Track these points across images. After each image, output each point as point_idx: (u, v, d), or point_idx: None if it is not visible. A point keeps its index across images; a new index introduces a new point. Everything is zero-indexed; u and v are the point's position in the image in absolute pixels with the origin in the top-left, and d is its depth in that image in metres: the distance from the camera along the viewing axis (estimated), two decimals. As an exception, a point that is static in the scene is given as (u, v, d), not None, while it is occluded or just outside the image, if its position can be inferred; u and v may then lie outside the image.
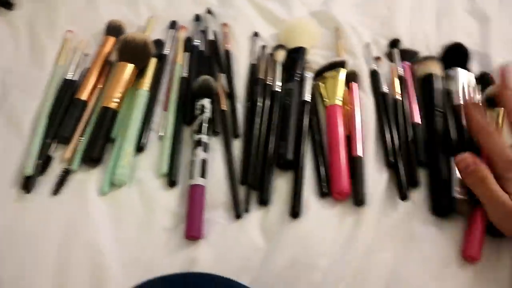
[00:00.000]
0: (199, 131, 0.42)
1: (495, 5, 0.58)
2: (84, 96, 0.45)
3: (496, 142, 0.38)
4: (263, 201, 0.40)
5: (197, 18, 0.54)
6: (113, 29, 0.51)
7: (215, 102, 0.45)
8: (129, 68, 0.46)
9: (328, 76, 0.48)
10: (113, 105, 0.44)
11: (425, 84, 0.48)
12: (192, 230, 0.37)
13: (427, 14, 0.57)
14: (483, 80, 0.49)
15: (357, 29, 0.54)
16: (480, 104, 0.46)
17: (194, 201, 0.39)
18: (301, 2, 0.57)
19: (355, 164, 0.41)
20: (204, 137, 0.42)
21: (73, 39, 0.51)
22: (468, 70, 0.49)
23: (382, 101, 0.47)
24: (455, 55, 0.50)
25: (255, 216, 0.39)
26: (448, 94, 0.46)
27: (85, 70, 0.48)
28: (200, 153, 0.41)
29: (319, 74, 0.48)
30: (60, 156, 0.42)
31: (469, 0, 0.59)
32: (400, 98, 0.47)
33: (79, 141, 0.43)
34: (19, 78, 0.47)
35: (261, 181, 0.40)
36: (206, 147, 0.42)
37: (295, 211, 0.39)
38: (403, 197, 0.40)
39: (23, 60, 0.49)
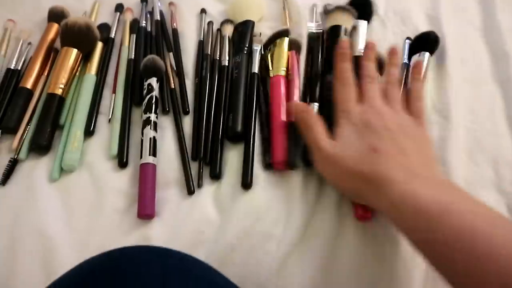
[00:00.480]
0: (148, 110, 0.42)
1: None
2: (28, 84, 0.44)
3: (341, 91, 0.40)
4: (215, 176, 0.40)
5: (142, -1, 0.53)
6: (56, 16, 0.49)
7: (164, 81, 0.45)
8: (73, 53, 0.45)
9: (273, 47, 0.47)
10: (59, 91, 0.43)
11: (332, 35, 0.47)
12: (145, 209, 0.37)
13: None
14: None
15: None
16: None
17: (146, 180, 0.38)
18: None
19: (290, 130, 0.41)
20: (152, 116, 0.41)
21: (14, 28, 0.49)
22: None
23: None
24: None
25: (207, 190, 0.39)
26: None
27: (29, 59, 0.47)
28: (150, 132, 0.40)
29: (266, 46, 0.48)
30: (7, 146, 0.41)
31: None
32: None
33: (26, 130, 0.42)
34: (-41, 72, 0.46)
35: (212, 156, 0.40)
36: (155, 126, 0.41)
37: (245, 183, 0.39)
38: None
39: (-37, 53, 0.48)
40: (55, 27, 0.49)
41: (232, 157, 0.41)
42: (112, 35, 0.49)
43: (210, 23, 0.51)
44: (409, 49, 0.49)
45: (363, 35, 0.48)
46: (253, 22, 0.50)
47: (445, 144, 0.41)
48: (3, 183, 0.39)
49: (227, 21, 0.51)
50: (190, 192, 0.39)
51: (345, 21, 0.48)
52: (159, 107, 0.43)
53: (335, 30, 0.47)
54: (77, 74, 0.46)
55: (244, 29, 0.49)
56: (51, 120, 0.42)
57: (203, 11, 0.52)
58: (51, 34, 0.48)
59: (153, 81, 0.43)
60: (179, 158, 0.41)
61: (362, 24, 0.49)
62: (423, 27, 0.53)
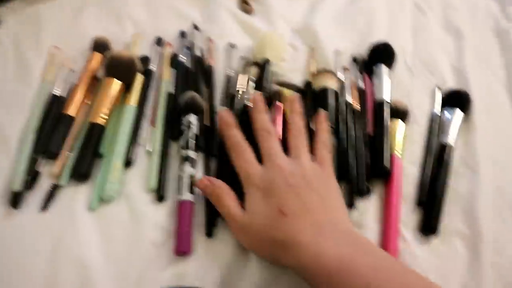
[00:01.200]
0: (186, 147, 0.43)
1: (468, 22, 0.61)
2: (71, 111, 0.46)
3: (236, 158, 0.40)
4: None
5: (182, 34, 0.55)
6: (99, 45, 0.51)
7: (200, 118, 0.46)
8: (116, 84, 0.46)
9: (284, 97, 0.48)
10: (100, 120, 0.44)
11: (319, 98, 0.48)
12: (181, 246, 0.38)
13: (403, 29, 0.60)
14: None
15: (337, 44, 0.56)
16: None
17: (183, 217, 0.40)
18: (283, 18, 0.59)
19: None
20: (191, 153, 0.43)
21: (59, 55, 0.51)
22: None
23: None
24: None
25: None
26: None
27: (71, 86, 0.49)
28: (188, 169, 0.42)
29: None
30: (48, 171, 0.43)
31: (443, 17, 0.61)
32: (359, 108, 0.49)
33: (67, 156, 0.43)
34: (4, 95, 0.48)
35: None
36: (193, 163, 0.43)
37: None
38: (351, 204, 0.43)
39: (9, 76, 0.49)
40: (98, 56, 0.50)
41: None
42: (151, 68, 0.51)
43: (242, 58, 0.53)
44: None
45: (387, 81, 0.50)
46: (268, 61, 0.51)
47: (473, 199, 0.43)
48: (44, 208, 0.40)
49: (250, 60, 0.52)
50: (208, 234, 0.40)
51: (331, 83, 0.49)
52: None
53: (323, 92, 0.48)
54: (117, 105, 0.47)
55: (261, 69, 0.51)
56: (92, 149, 0.43)
57: (231, 45, 0.54)
58: (94, 63, 0.50)
59: (193, 118, 0.45)
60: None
61: (384, 69, 0.51)
62: (449, 78, 0.55)
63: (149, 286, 0.37)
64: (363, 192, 0.43)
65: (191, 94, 0.46)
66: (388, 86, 0.51)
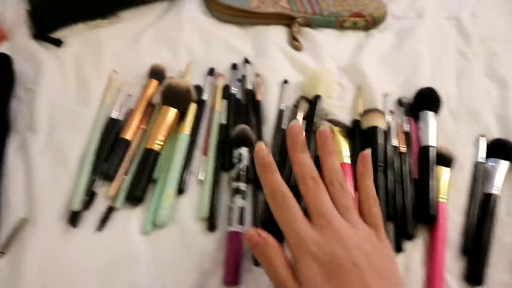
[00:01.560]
0: (237, 179, 0.44)
1: (512, 70, 0.62)
2: (128, 135, 0.48)
3: (279, 211, 0.33)
4: None
5: (234, 66, 0.57)
6: (156, 73, 0.53)
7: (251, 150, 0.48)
8: (173, 112, 0.48)
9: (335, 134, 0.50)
10: (156, 147, 0.46)
11: (368, 137, 0.49)
12: (230, 277, 0.39)
13: (447, 74, 0.61)
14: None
15: (382, 84, 0.57)
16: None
17: (232, 248, 0.41)
18: (331, 56, 0.60)
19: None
20: (242, 185, 0.44)
21: (117, 79, 0.54)
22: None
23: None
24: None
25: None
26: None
27: (128, 110, 0.51)
28: (239, 201, 0.43)
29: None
30: (103, 192, 0.44)
31: (487, 64, 0.62)
32: (404, 151, 0.50)
33: (123, 179, 0.45)
34: (66, 114, 0.50)
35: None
36: (244, 195, 0.44)
37: None
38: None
39: (70, 96, 0.52)
40: (154, 83, 0.53)
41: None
42: (204, 98, 0.53)
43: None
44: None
45: (433, 126, 0.51)
46: (319, 97, 0.52)
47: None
48: (100, 228, 0.42)
49: (302, 97, 0.54)
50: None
51: (380, 122, 0.50)
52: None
53: (372, 131, 0.49)
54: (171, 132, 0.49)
55: (313, 105, 0.52)
56: (147, 174, 0.45)
57: (285, 81, 0.56)
58: (150, 90, 0.52)
59: (244, 151, 0.46)
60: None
61: (430, 114, 0.52)
62: (493, 126, 0.56)
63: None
64: (411, 236, 0.43)
65: (242, 127, 0.48)
66: (434, 131, 0.51)
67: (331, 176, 0.35)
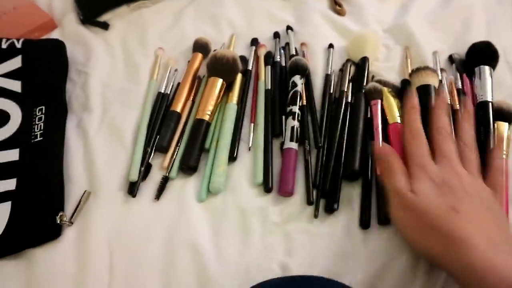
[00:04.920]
0: (291, 103, 0.47)
1: None
2: (178, 108, 0.48)
3: (413, 144, 0.39)
4: (331, 209, 0.42)
5: (276, 35, 0.56)
6: (200, 46, 0.54)
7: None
8: (219, 82, 0.49)
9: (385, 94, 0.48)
10: (206, 117, 0.47)
11: (420, 95, 0.47)
12: (286, 187, 0.42)
13: (503, 26, 0.57)
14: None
15: (431, 44, 0.55)
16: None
17: (288, 162, 0.43)
18: (375, 19, 0.58)
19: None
20: (295, 108, 0.46)
21: (163, 55, 0.55)
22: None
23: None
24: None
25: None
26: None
27: (175, 84, 0.52)
28: (292, 122, 0.45)
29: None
30: (158, 164, 0.46)
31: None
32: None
33: (176, 150, 0.46)
34: (117, 92, 0.52)
35: (331, 190, 0.42)
36: (297, 116, 0.46)
37: (364, 222, 0.41)
38: None
39: (120, 76, 0.53)
40: (199, 56, 0.53)
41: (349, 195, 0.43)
42: (250, 67, 0.53)
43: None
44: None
45: (489, 81, 0.48)
46: (367, 59, 0.51)
47: None
48: (157, 198, 0.43)
49: (348, 60, 0.53)
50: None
51: (433, 80, 0.48)
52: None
53: (425, 89, 0.47)
54: (219, 102, 0.49)
55: (361, 68, 0.51)
56: (199, 144, 0.45)
57: (330, 45, 0.55)
58: (196, 63, 0.53)
59: (297, 78, 0.49)
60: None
61: (487, 70, 0.49)
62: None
63: (258, 275, 0.38)
64: None
65: (296, 57, 0.50)
66: (490, 86, 0.49)
67: (465, 137, 0.40)
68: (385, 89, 0.48)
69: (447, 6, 0.59)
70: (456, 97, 0.49)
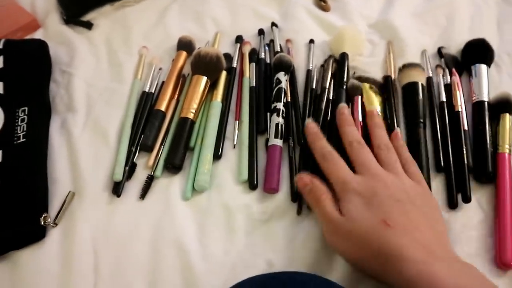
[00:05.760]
0: (275, 100, 0.47)
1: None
2: (162, 107, 0.48)
3: (328, 165, 0.38)
4: None
5: (260, 32, 0.56)
6: (184, 45, 0.54)
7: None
8: (204, 80, 0.49)
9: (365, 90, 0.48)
10: (191, 115, 0.47)
11: (407, 93, 0.48)
12: (271, 184, 0.42)
13: (487, 22, 0.58)
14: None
15: (416, 38, 0.55)
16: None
17: (272, 159, 0.43)
18: (360, 14, 0.58)
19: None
20: (279, 105, 0.46)
21: (147, 54, 0.54)
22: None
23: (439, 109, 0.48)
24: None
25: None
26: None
27: (160, 83, 0.51)
28: (276, 119, 0.45)
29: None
30: (143, 163, 0.45)
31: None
32: (460, 109, 0.47)
33: (161, 149, 0.46)
34: (101, 92, 0.51)
35: None
36: (282, 113, 0.46)
37: None
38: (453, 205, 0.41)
39: (104, 75, 0.53)
40: (183, 55, 0.53)
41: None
42: (234, 65, 0.53)
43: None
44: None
45: (485, 79, 0.48)
46: (347, 55, 0.51)
47: None
48: (142, 197, 0.43)
49: (330, 56, 0.53)
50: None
51: (420, 77, 0.49)
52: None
53: (412, 87, 0.48)
54: (204, 100, 0.49)
55: (340, 64, 0.51)
56: (184, 142, 0.45)
57: (311, 41, 0.55)
58: (180, 62, 0.52)
59: (281, 75, 0.49)
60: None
61: (482, 68, 0.49)
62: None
63: (243, 271, 0.38)
64: (468, 200, 0.41)
65: (280, 54, 0.50)
66: (487, 86, 0.48)
67: (379, 142, 0.41)
68: (366, 85, 0.48)
69: (432, 0, 0.60)
70: (458, 97, 0.48)
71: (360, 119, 0.45)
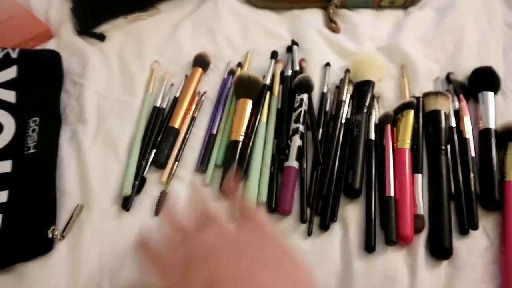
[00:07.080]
0: (297, 121, 0.47)
1: None
2: (176, 124, 0.48)
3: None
4: (324, 227, 0.42)
5: (289, 49, 0.57)
6: (201, 61, 0.54)
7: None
8: (250, 104, 0.49)
9: (398, 117, 0.49)
10: (240, 138, 0.47)
11: (430, 120, 0.48)
12: (284, 205, 0.42)
13: (494, 49, 0.58)
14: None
15: (424, 63, 0.56)
16: None
17: (288, 181, 0.43)
18: (370, 37, 0.59)
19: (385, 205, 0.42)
20: (301, 127, 0.46)
21: (159, 69, 0.55)
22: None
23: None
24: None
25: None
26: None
27: (171, 99, 0.51)
28: (297, 140, 0.45)
29: (396, 114, 0.50)
30: (153, 178, 0.45)
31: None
32: (468, 136, 0.47)
33: (175, 166, 0.46)
34: (112, 105, 0.51)
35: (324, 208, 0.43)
36: (302, 136, 0.46)
37: (369, 247, 0.40)
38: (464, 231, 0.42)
39: (115, 87, 0.53)
40: (199, 71, 0.53)
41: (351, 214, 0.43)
42: (267, 82, 0.52)
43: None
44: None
45: (492, 106, 0.49)
46: (373, 83, 0.52)
47: None
48: (156, 213, 0.43)
49: (343, 79, 0.53)
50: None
51: (443, 106, 0.49)
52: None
53: (435, 115, 0.48)
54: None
55: (365, 89, 0.51)
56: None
57: (327, 64, 0.55)
58: (196, 78, 0.53)
59: (304, 96, 0.48)
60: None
61: (489, 95, 0.50)
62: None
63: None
64: (475, 227, 0.42)
65: (303, 75, 0.50)
66: (494, 114, 0.49)
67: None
68: (411, 112, 0.48)
69: (440, 25, 0.60)
70: (466, 124, 0.49)
71: (391, 148, 0.46)
